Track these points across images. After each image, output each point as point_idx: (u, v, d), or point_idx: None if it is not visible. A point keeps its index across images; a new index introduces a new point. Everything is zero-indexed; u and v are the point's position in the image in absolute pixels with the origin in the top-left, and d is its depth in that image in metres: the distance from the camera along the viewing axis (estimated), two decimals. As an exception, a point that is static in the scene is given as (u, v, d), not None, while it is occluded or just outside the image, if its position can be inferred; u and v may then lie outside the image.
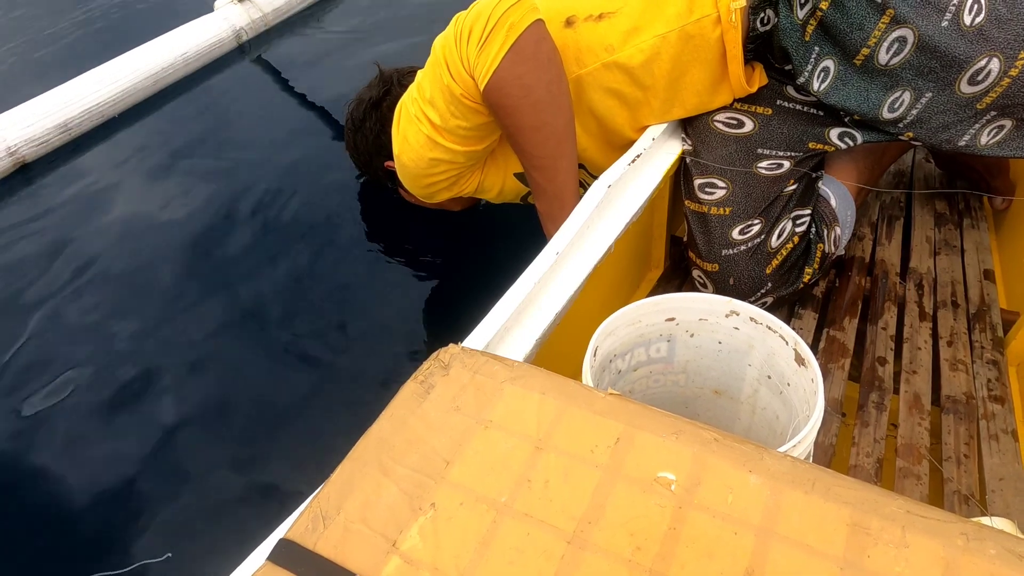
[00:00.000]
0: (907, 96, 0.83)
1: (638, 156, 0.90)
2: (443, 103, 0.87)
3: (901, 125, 0.85)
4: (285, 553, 0.39)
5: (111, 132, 1.63)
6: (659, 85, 0.91)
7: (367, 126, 1.15)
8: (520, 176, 1.01)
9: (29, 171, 1.51)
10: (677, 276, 1.08)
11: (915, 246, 1.07)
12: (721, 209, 0.93)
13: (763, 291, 0.94)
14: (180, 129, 1.63)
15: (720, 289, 0.95)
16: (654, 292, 1.06)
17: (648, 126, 0.96)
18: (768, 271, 0.93)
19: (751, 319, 0.64)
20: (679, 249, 1.09)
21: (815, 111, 0.92)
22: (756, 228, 0.93)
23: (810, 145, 0.93)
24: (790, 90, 0.92)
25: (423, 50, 0.90)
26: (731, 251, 0.93)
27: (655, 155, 0.95)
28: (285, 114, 1.68)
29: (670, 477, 0.41)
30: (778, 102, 0.93)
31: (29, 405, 1.04)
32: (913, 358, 0.89)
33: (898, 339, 0.93)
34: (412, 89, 0.93)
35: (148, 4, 2.19)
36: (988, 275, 1.01)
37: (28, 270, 1.26)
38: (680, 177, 0.99)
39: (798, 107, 0.92)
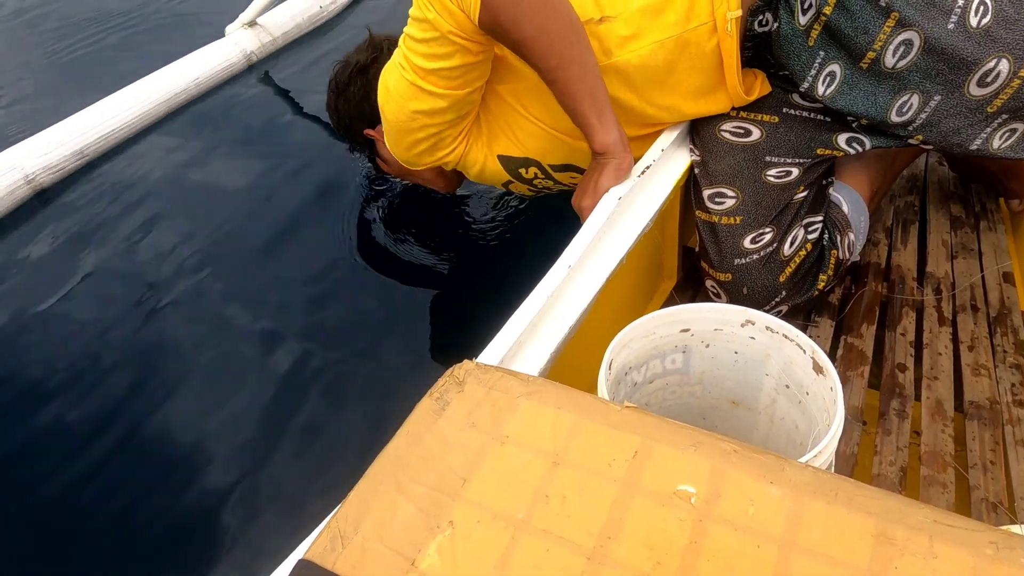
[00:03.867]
0: (916, 99, 0.82)
1: (647, 168, 0.90)
2: (427, 44, 0.84)
3: (911, 128, 0.85)
4: (304, 574, 0.39)
5: (126, 157, 1.66)
6: (654, 92, 0.91)
7: (351, 91, 1.13)
8: (503, 159, 0.99)
9: (47, 197, 1.53)
10: (690, 287, 1.07)
11: (931, 250, 1.06)
12: (731, 219, 0.93)
13: (777, 299, 0.94)
14: (193, 153, 1.65)
15: (734, 299, 0.95)
16: (668, 303, 1.06)
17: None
18: (782, 279, 0.93)
19: (767, 328, 0.64)
20: (692, 260, 1.09)
21: (822, 117, 0.92)
22: (768, 237, 0.92)
23: (818, 151, 0.93)
24: (796, 97, 0.92)
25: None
26: (743, 260, 0.93)
27: (665, 166, 0.95)
28: (296, 136, 1.70)
29: (689, 490, 0.40)
30: (784, 110, 0.93)
31: (44, 416, 1.05)
32: (934, 364, 0.88)
33: (917, 345, 0.91)
34: (400, 40, 0.90)
35: (161, 30, 2.23)
36: (1007, 278, 1.00)
37: (49, 291, 1.28)
38: (690, 187, 0.99)
39: (804, 114, 0.92)
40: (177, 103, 1.78)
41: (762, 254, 0.92)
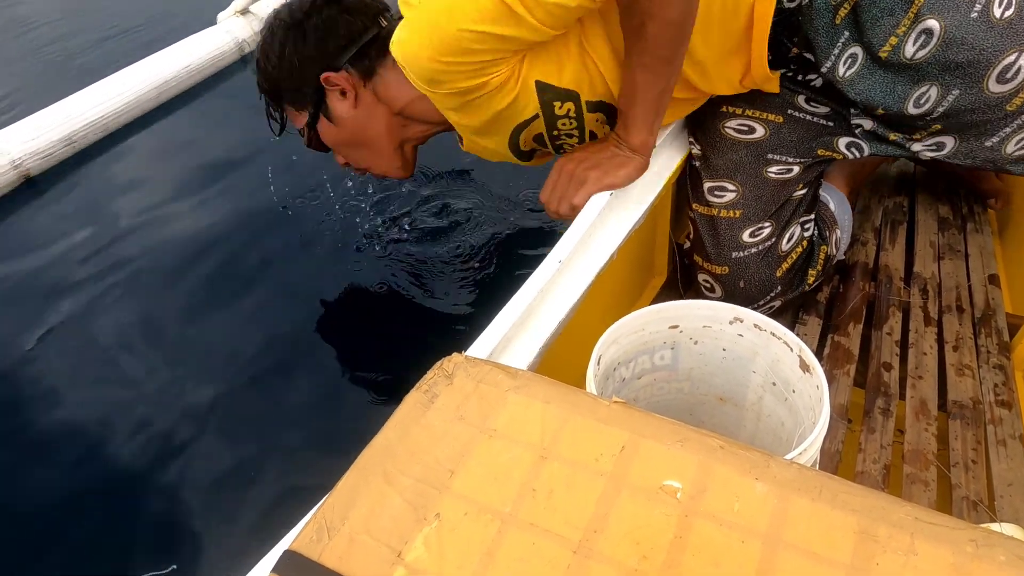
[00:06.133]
0: (934, 91, 0.80)
1: (640, 163, 0.90)
2: None
3: (928, 119, 0.83)
4: (289, 564, 0.39)
5: (116, 145, 1.64)
6: (695, 39, 0.80)
7: (314, 22, 0.91)
8: (541, 87, 0.84)
9: (35, 184, 1.52)
10: (680, 283, 1.08)
11: (919, 251, 1.07)
12: (731, 212, 0.93)
13: (773, 294, 0.94)
14: (184, 141, 1.64)
15: (729, 292, 0.95)
16: (657, 300, 1.06)
17: None
18: (779, 274, 0.93)
19: (755, 326, 0.64)
20: (682, 257, 1.09)
21: (825, 122, 0.92)
22: (767, 231, 0.93)
23: (819, 152, 0.93)
24: (801, 100, 0.91)
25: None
26: (742, 253, 0.93)
27: (657, 161, 0.95)
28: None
29: (676, 485, 0.40)
30: (789, 111, 0.92)
31: (33, 414, 1.04)
32: (919, 363, 0.89)
33: (903, 344, 0.92)
34: None
35: (151, 18, 2.21)
36: (993, 279, 1.01)
37: (36, 281, 1.27)
38: (685, 182, 0.99)
39: (808, 117, 0.92)
40: (167, 90, 1.77)
41: (760, 248, 0.92)
